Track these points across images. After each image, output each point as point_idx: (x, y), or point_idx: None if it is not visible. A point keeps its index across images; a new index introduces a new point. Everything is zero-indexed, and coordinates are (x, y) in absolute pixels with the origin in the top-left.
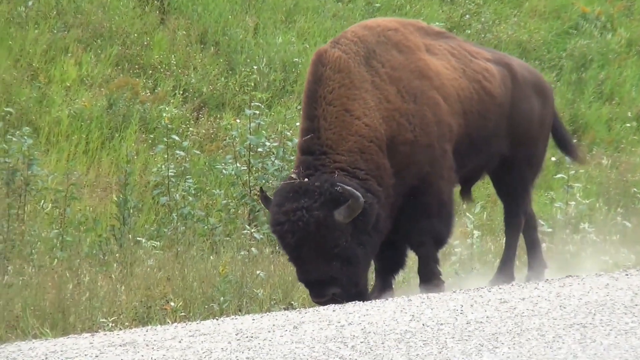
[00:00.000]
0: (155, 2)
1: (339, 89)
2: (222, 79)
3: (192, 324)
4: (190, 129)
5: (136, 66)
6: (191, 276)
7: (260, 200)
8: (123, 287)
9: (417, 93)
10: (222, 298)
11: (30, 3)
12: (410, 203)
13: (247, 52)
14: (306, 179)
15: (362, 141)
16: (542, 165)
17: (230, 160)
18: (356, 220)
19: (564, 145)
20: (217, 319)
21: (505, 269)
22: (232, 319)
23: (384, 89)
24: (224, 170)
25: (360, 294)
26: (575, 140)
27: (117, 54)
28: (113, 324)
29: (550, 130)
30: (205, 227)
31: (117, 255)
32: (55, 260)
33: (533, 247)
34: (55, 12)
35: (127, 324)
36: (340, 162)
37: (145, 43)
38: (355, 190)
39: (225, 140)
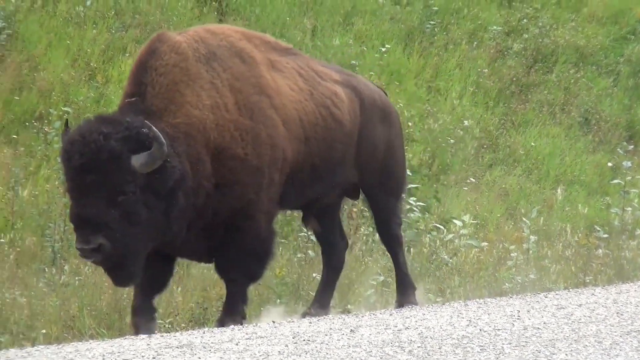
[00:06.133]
0: (214, 3)
1: (173, 67)
2: None
3: (248, 327)
4: None
5: None
6: None
7: (61, 136)
8: (179, 288)
9: (255, 109)
10: (278, 300)
11: (88, 3)
12: (226, 235)
13: (304, 54)
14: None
15: (190, 127)
16: (401, 188)
17: None
18: (152, 178)
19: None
20: (274, 322)
21: (406, 286)
22: (289, 321)
23: (224, 95)
24: None
25: (122, 266)
26: None
27: None
28: (169, 325)
29: (402, 150)
30: None
31: None
32: None
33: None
34: (113, 12)
35: (183, 325)
36: (162, 131)
37: None
38: (162, 138)
39: None
